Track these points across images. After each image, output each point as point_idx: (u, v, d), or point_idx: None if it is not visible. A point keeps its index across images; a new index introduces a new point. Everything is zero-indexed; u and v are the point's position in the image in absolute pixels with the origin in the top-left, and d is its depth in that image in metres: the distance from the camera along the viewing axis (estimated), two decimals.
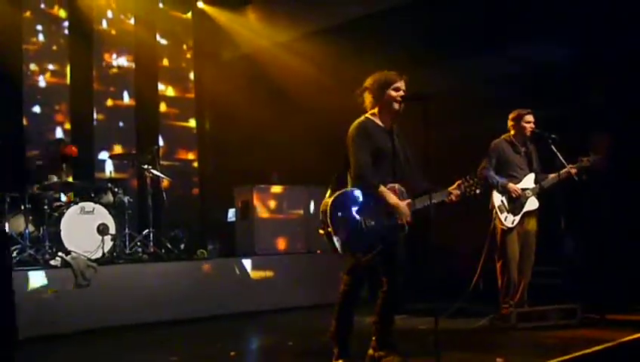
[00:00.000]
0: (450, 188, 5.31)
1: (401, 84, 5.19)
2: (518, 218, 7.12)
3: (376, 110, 5.27)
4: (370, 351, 5.26)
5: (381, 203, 5.04)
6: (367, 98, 5.30)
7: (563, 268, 7.39)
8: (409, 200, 5.12)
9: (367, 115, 5.29)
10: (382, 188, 5.04)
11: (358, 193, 5.05)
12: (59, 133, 10.91)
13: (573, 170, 7.01)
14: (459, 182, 5.33)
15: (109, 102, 11.92)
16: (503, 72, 8.90)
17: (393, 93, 5.17)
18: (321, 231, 5.01)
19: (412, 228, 5.13)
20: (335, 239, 4.89)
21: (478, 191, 5.34)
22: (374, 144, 5.12)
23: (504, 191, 7.11)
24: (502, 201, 7.13)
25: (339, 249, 4.91)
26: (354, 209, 5.00)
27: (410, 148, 5.36)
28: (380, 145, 5.14)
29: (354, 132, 5.17)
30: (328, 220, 4.92)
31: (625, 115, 8.03)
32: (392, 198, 5.06)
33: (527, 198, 7.13)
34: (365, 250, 4.96)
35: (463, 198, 5.32)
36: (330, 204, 4.96)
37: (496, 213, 7.13)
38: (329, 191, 5.12)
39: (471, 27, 8.91)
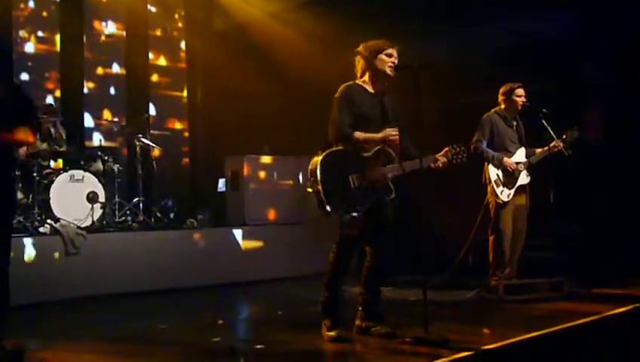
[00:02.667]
0: (437, 155, 5.33)
1: (392, 51, 5.21)
2: (512, 192, 7.13)
3: (367, 77, 5.28)
4: (358, 321, 5.28)
5: (366, 162, 5.05)
6: (359, 64, 5.32)
7: (551, 242, 7.43)
8: (395, 164, 5.15)
9: (356, 80, 5.30)
10: (357, 132, 5.07)
11: (343, 152, 5.06)
12: (49, 101, 10.82)
13: (560, 145, 7.02)
14: (446, 149, 5.35)
15: (100, 71, 11.84)
16: (496, 44, 8.88)
17: (385, 58, 5.18)
18: (309, 190, 5.02)
19: (401, 199, 5.16)
20: (324, 198, 4.90)
21: (464, 160, 5.36)
22: (358, 108, 5.13)
23: (499, 164, 7.11)
24: (497, 175, 7.12)
25: (328, 208, 4.91)
26: (342, 167, 5.02)
27: (401, 115, 5.36)
28: (365, 110, 5.16)
29: (338, 95, 5.20)
30: (318, 178, 4.93)
31: (617, 89, 8.04)
32: (368, 135, 5.09)
33: (519, 172, 7.14)
34: (354, 209, 4.97)
35: (449, 166, 5.34)
36: (319, 162, 4.97)
37: (492, 186, 7.13)
38: (318, 153, 5.13)
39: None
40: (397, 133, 5.13)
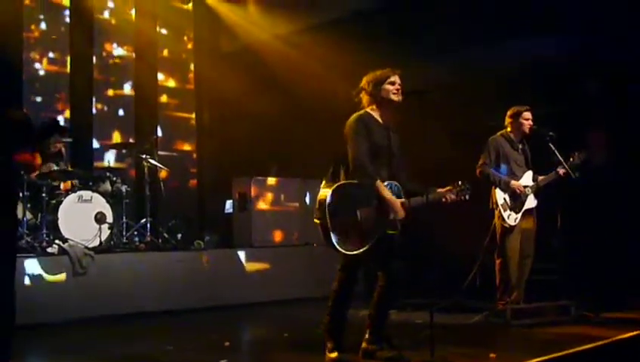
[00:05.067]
0: (440, 191, 5.31)
1: (395, 78, 5.22)
2: (519, 216, 7.11)
3: (374, 107, 5.29)
4: (364, 344, 5.26)
5: (377, 197, 5.06)
6: (364, 98, 5.32)
7: (558, 266, 7.40)
8: (403, 199, 5.15)
9: (366, 109, 5.30)
10: (379, 181, 5.06)
11: (355, 186, 5.06)
12: (61, 121, 10.90)
13: (562, 171, 7.02)
14: (449, 187, 5.34)
15: (109, 92, 11.94)
16: (500, 66, 8.90)
17: (389, 87, 5.19)
18: (316, 221, 5.01)
19: (409, 225, 5.17)
20: (331, 232, 4.90)
21: (467, 198, 5.37)
22: (372, 139, 5.13)
23: (507, 188, 7.11)
24: (504, 199, 7.10)
25: (335, 243, 4.91)
26: (351, 202, 5.01)
27: (402, 145, 5.38)
28: (378, 140, 5.15)
29: (353, 124, 5.17)
30: (326, 212, 4.93)
31: (622, 111, 8.05)
32: (388, 194, 5.07)
33: (526, 196, 7.13)
34: (361, 243, 4.97)
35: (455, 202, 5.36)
36: (328, 196, 4.96)
37: (499, 211, 7.12)
38: (324, 183, 5.14)
39: (470, 21, 8.92)
40: (403, 212, 5.11)
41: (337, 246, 4.92)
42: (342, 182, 5.10)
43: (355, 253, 4.97)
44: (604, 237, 7.98)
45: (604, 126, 8.21)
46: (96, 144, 11.53)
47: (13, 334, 4.74)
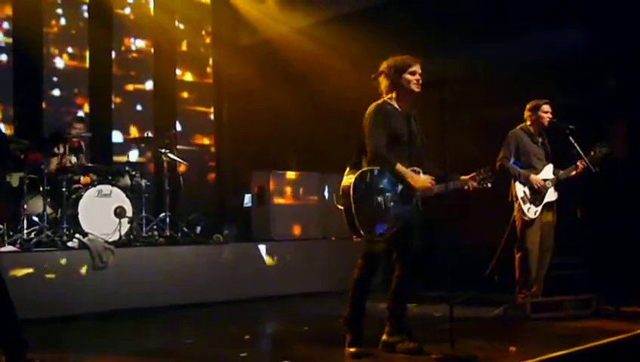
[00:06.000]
0: (464, 178, 5.34)
1: (417, 68, 5.20)
2: (539, 209, 7.08)
3: (393, 94, 5.27)
4: (385, 337, 5.28)
5: (400, 182, 5.07)
6: (383, 82, 5.29)
7: (579, 259, 7.36)
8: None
9: (384, 98, 5.29)
10: (399, 165, 5.07)
11: (378, 172, 5.07)
12: (80, 114, 10.99)
13: (581, 165, 6.98)
14: (473, 174, 5.36)
15: (128, 87, 11.99)
16: (519, 59, 8.85)
17: (409, 77, 5.18)
18: (340, 207, 5.02)
19: (430, 214, 5.18)
20: (356, 219, 4.91)
21: (489, 185, 5.37)
22: (391, 127, 5.13)
23: (526, 182, 7.07)
24: (524, 192, 7.07)
25: (360, 229, 4.92)
26: (374, 188, 5.03)
27: (425, 134, 5.37)
28: (397, 129, 5.15)
29: (372, 114, 5.18)
30: (351, 197, 4.93)
31: None
32: (408, 173, 5.09)
33: (547, 189, 7.10)
34: (385, 230, 5.00)
35: (477, 189, 5.37)
36: (352, 183, 4.98)
37: (518, 204, 7.09)
38: (347, 171, 5.15)
39: (489, 14, 8.86)
40: (433, 183, 5.16)
41: (362, 232, 4.93)
42: (365, 168, 5.10)
43: (379, 238, 5.01)
44: (625, 231, 7.91)
45: (626, 118, 8.13)
46: (115, 138, 11.58)
47: (18, 324, 4.73)
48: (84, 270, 7.69)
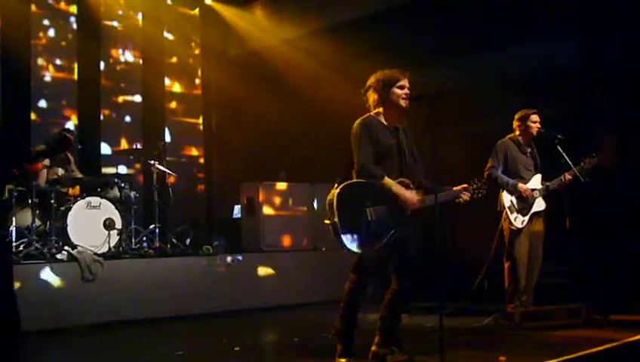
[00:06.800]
0: (456, 189, 5.34)
1: (405, 82, 5.21)
2: (527, 218, 7.11)
3: (381, 109, 5.27)
4: (374, 348, 5.27)
5: (387, 193, 5.06)
6: (372, 97, 5.30)
7: (568, 268, 7.38)
8: (419, 193, 5.15)
9: (371, 113, 5.30)
10: (386, 178, 5.06)
11: (364, 185, 5.06)
12: (69, 126, 10.93)
13: (569, 176, 7.00)
14: (465, 185, 5.36)
15: (117, 98, 11.95)
16: (506, 70, 8.90)
17: (398, 91, 5.18)
18: (327, 221, 5.01)
19: (421, 225, 5.18)
20: (341, 232, 4.90)
21: (482, 195, 5.38)
22: (377, 142, 5.13)
23: (514, 191, 7.09)
24: (511, 202, 7.10)
25: (346, 243, 4.90)
26: (360, 201, 5.01)
27: (416, 146, 5.37)
28: (383, 143, 5.16)
29: (357, 129, 5.18)
30: (335, 211, 4.92)
31: (633, 114, 8.02)
32: (396, 187, 5.08)
33: (534, 199, 7.12)
34: (373, 242, 4.97)
35: (470, 200, 5.37)
36: (336, 194, 4.97)
37: (506, 213, 7.11)
38: (335, 185, 5.14)
39: (478, 26, 8.90)
40: (421, 195, 5.14)
41: (347, 246, 4.91)
42: (350, 181, 5.10)
43: (365, 252, 4.99)
44: (614, 240, 7.95)
45: (615, 129, 8.18)
46: (104, 150, 11.55)
47: (19, 340, 4.72)
48: (73, 282, 7.65)
